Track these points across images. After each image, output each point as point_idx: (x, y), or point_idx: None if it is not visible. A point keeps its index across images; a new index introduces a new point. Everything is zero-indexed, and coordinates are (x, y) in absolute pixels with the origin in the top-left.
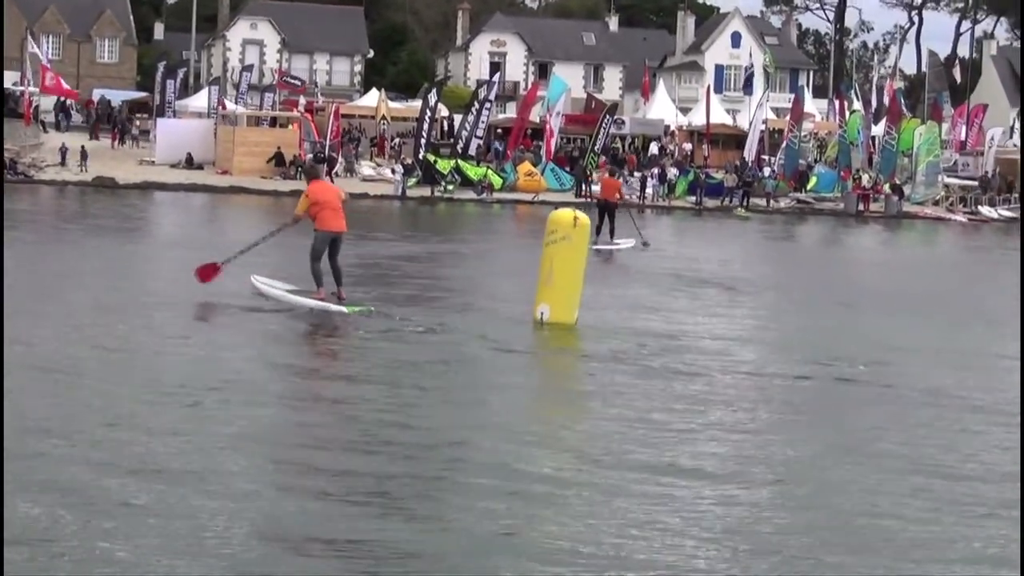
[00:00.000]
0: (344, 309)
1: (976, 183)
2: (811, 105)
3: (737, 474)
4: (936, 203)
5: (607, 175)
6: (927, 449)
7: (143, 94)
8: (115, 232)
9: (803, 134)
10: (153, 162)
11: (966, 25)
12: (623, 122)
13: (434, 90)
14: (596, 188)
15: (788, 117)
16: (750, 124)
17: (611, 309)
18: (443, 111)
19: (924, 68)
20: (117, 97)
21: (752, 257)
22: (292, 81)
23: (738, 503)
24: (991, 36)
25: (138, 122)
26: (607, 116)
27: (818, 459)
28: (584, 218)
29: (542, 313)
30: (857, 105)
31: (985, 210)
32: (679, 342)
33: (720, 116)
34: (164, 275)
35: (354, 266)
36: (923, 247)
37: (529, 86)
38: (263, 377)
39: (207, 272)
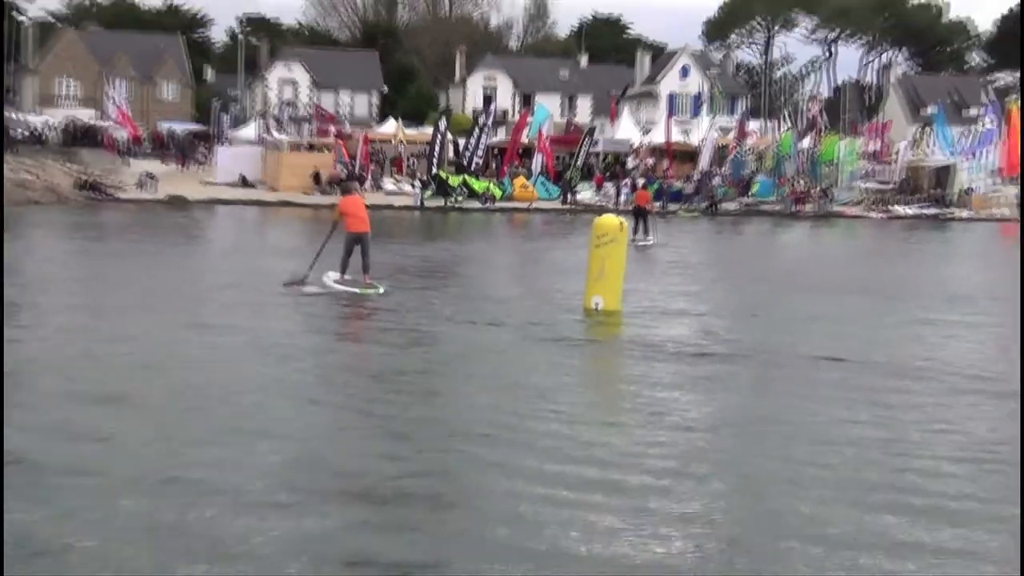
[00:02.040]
0: (357, 291)
1: (888, 186)
2: (751, 126)
3: None
4: (857, 203)
5: (641, 187)
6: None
7: (200, 126)
8: (201, 236)
9: (746, 149)
10: (214, 182)
11: (872, 56)
12: (597, 142)
13: (444, 118)
14: (581, 196)
15: (733, 135)
16: (701, 141)
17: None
18: (449, 136)
19: (838, 93)
20: (180, 128)
21: (714, 247)
22: (325, 112)
23: None
24: (892, 65)
25: (203, 148)
26: (587, 137)
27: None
28: (625, 222)
29: (597, 303)
30: (787, 124)
31: (898, 208)
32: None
33: (675, 135)
34: (253, 265)
35: (415, 265)
36: (845, 239)
37: (515, 114)
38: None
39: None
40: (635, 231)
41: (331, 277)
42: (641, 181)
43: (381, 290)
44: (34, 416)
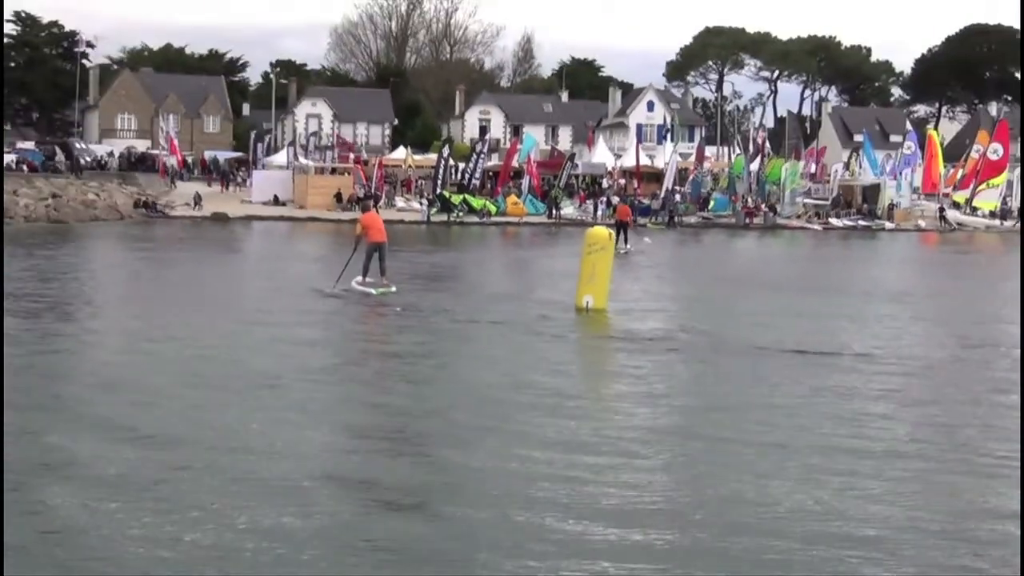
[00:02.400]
0: (373, 291)
1: (826, 202)
2: (707, 151)
3: None
4: (799, 217)
5: (622, 203)
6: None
7: (239, 154)
8: (245, 247)
9: (704, 171)
10: (251, 201)
11: (809, 91)
12: (577, 165)
13: (447, 146)
14: (565, 211)
15: (693, 159)
16: (665, 164)
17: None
18: (451, 161)
19: (781, 123)
20: (221, 156)
21: (683, 254)
22: (344, 141)
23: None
24: (826, 99)
25: (242, 173)
26: (569, 162)
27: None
28: (612, 233)
29: (587, 301)
30: (738, 150)
31: (834, 220)
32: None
33: (643, 160)
34: (292, 270)
35: (427, 271)
36: (793, 246)
37: (506, 142)
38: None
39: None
40: (616, 241)
41: (356, 280)
42: (616, 199)
43: (393, 288)
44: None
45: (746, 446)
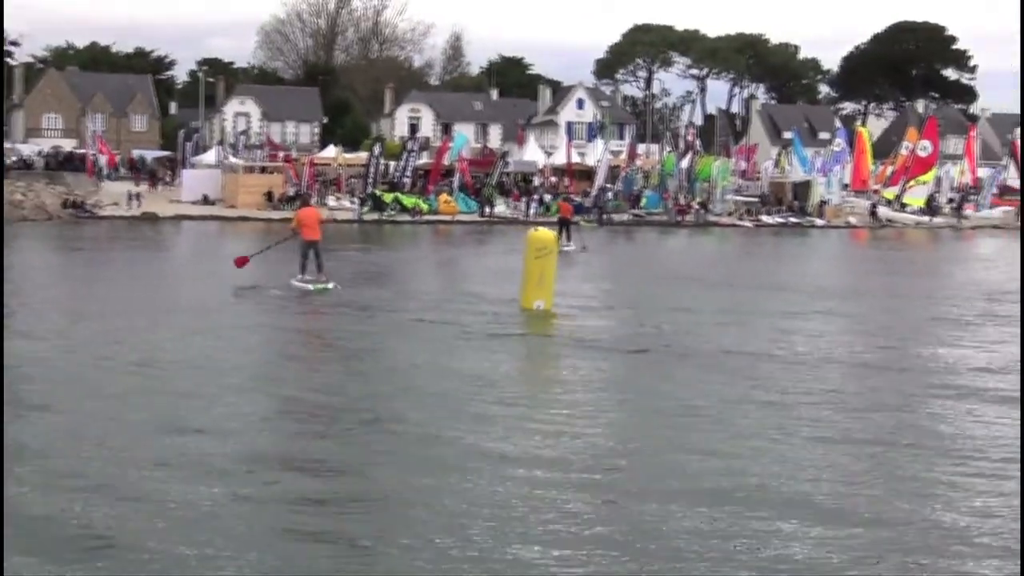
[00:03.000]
0: (311, 288)
1: (756, 199)
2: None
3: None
4: (730, 214)
5: (564, 201)
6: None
7: (167, 153)
8: (180, 247)
9: (635, 168)
10: (180, 201)
11: (737, 89)
12: (508, 163)
13: (379, 144)
14: (498, 209)
15: (624, 156)
16: (597, 162)
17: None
18: (382, 160)
19: (709, 121)
20: (149, 155)
21: (622, 252)
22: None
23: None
24: (755, 97)
25: (170, 173)
26: (501, 160)
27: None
28: (558, 237)
29: (538, 305)
30: (669, 148)
31: (765, 218)
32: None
33: (574, 157)
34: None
35: (367, 269)
36: (726, 244)
37: (437, 140)
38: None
39: (241, 261)
40: (559, 238)
41: (295, 278)
42: (548, 196)
43: (330, 286)
44: None
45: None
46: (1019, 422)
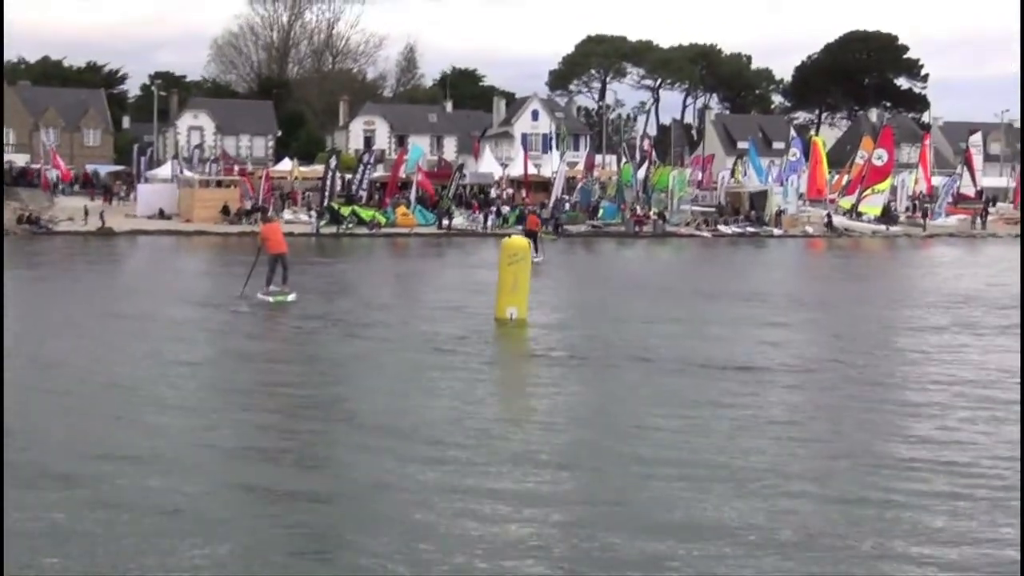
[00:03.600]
0: (270, 299)
1: (713, 209)
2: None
3: None
4: (687, 224)
5: (532, 213)
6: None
7: (121, 167)
8: (141, 261)
9: (593, 179)
10: (136, 215)
11: (691, 99)
12: (465, 175)
13: (335, 157)
14: (456, 221)
15: (580, 167)
16: (553, 174)
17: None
18: (338, 172)
19: (663, 131)
20: (103, 170)
21: (570, 262)
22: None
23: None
24: (709, 107)
25: (124, 188)
26: (458, 172)
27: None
28: (530, 242)
29: (511, 313)
30: (626, 158)
31: (723, 228)
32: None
33: (530, 169)
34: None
35: (328, 282)
36: (686, 254)
37: (392, 153)
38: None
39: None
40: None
41: (260, 292)
42: (505, 208)
43: (290, 298)
44: None
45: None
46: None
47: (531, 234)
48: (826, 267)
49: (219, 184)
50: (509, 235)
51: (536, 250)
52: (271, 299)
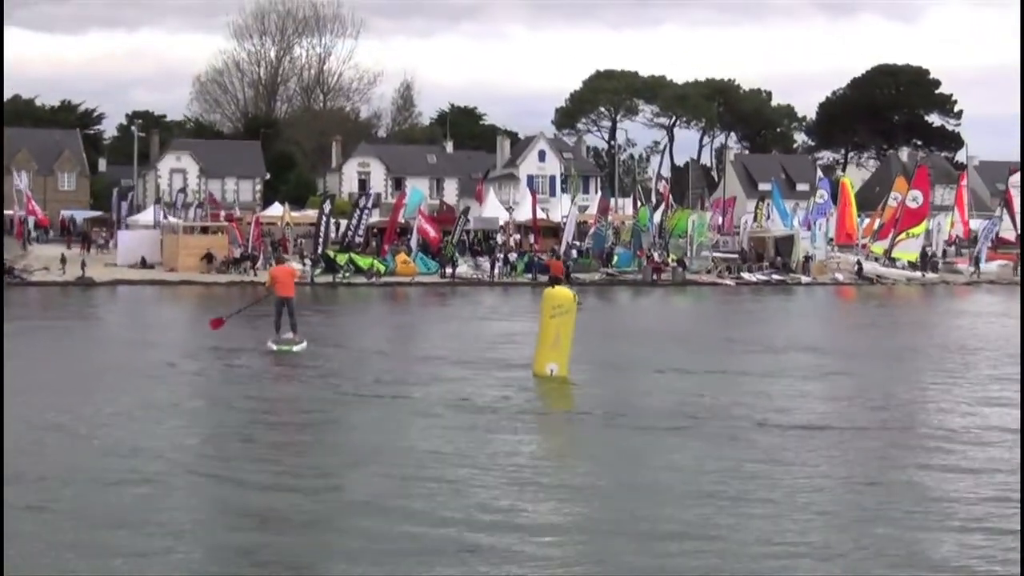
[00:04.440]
0: (274, 347)
1: (736, 256)
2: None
3: None
4: (708, 272)
5: (557, 259)
6: None
7: (99, 213)
8: (128, 315)
9: (605, 224)
10: (116, 264)
11: (708, 138)
12: (469, 220)
13: (329, 201)
14: (461, 269)
15: (594, 211)
16: (563, 218)
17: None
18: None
19: (678, 172)
20: (79, 215)
21: (588, 313)
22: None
23: None
24: (727, 146)
25: (104, 234)
26: (463, 216)
27: None
28: (576, 294)
29: (552, 369)
30: (642, 201)
31: (746, 275)
32: None
33: (538, 213)
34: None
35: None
36: (703, 303)
37: (388, 196)
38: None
39: (216, 323)
40: None
41: (271, 341)
42: (513, 255)
43: (295, 348)
44: None
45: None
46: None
47: (555, 280)
48: (864, 318)
49: (205, 231)
50: (542, 285)
51: None
52: (274, 347)
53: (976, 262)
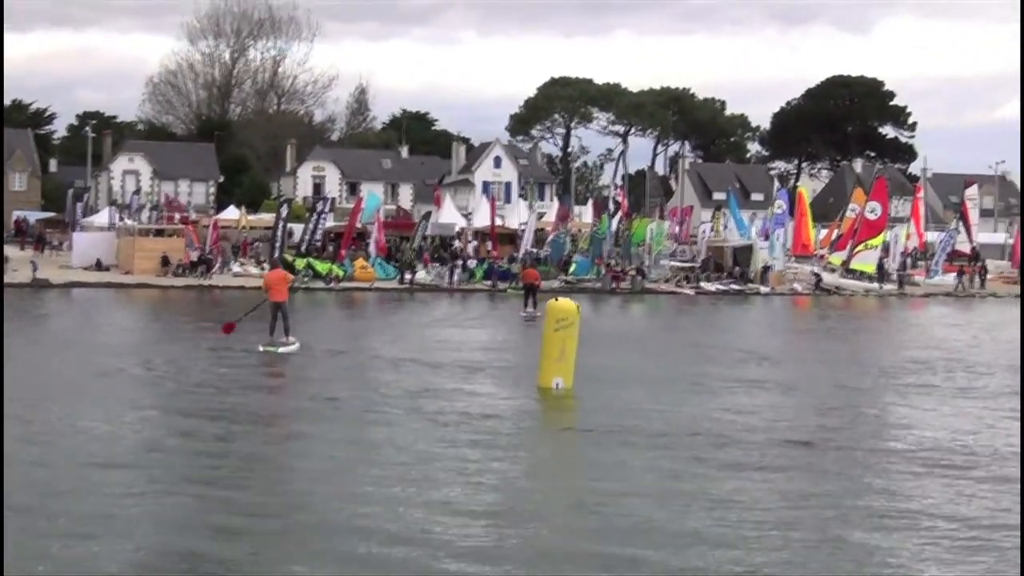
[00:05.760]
0: (260, 347)
1: (695, 264)
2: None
3: None
4: (666, 280)
5: (531, 266)
6: None
7: (51, 214)
8: (92, 318)
9: (564, 231)
10: (70, 266)
11: (662, 147)
12: (427, 225)
13: (286, 205)
14: (419, 275)
15: (553, 218)
16: (521, 225)
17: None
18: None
19: (630, 180)
20: (32, 217)
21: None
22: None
23: None
24: (681, 155)
25: (57, 236)
26: (424, 221)
27: None
28: (579, 305)
29: (557, 384)
30: (606, 209)
31: (705, 285)
32: None
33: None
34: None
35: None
36: (665, 312)
37: (343, 201)
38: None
39: (229, 327)
40: (525, 305)
41: (264, 343)
42: (473, 262)
43: (280, 351)
44: None
45: None
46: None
47: (531, 288)
48: (822, 327)
49: (160, 233)
50: (505, 290)
51: (535, 305)
52: (261, 347)
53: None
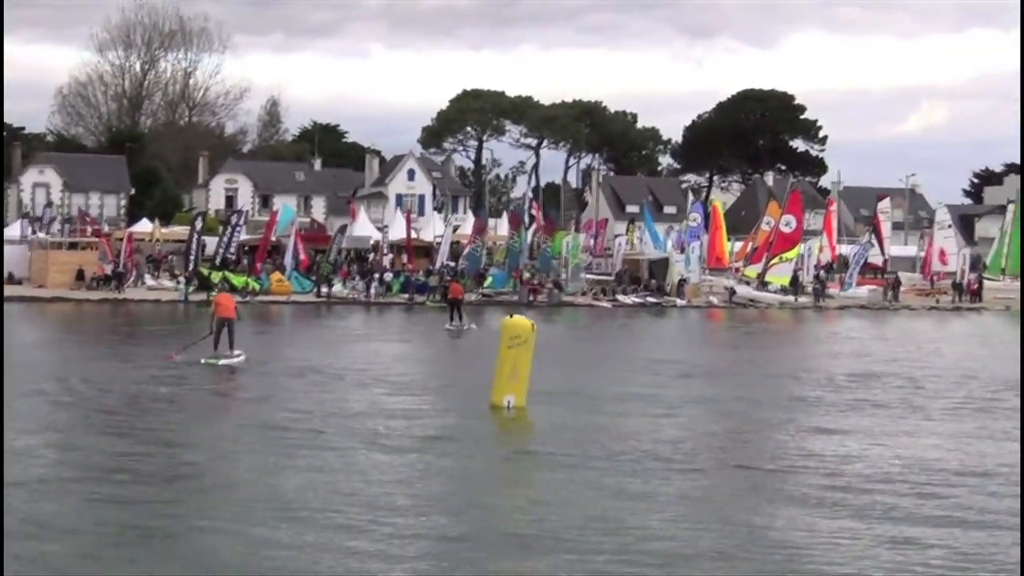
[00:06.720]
0: (203, 360)
1: (610, 277)
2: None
3: None
4: (583, 293)
5: (455, 281)
6: None
7: None
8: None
9: (480, 244)
10: None
11: (574, 159)
12: (343, 239)
13: (200, 218)
14: (336, 288)
15: (470, 231)
16: (436, 238)
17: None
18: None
19: (542, 192)
20: None
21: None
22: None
23: None
24: (594, 168)
25: None
26: (339, 234)
27: None
28: (534, 324)
29: (509, 401)
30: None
31: (622, 297)
32: None
33: (406, 232)
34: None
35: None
36: (584, 324)
37: (255, 214)
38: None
39: (171, 356)
40: (451, 319)
41: (207, 356)
42: (389, 275)
43: (221, 362)
44: None
45: None
46: None
47: (455, 303)
48: (740, 340)
49: (74, 246)
50: (423, 303)
51: (460, 318)
52: (203, 360)
53: (821, 289)
